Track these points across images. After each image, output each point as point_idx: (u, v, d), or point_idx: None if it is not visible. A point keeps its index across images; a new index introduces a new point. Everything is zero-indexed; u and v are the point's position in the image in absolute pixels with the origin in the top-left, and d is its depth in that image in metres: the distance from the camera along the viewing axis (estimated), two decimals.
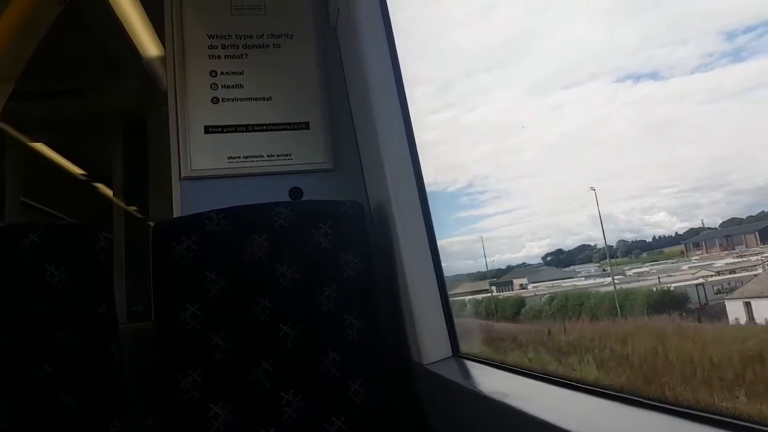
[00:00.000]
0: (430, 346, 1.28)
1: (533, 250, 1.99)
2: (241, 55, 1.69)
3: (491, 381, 1.03)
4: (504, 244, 1.38)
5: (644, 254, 1.63)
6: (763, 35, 1.06)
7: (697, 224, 1.46)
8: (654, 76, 1.36)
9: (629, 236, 1.63)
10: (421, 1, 1.47)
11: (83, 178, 4.15)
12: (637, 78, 1.43)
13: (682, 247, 1.51)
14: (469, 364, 1.20)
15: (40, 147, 3.84)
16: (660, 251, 1.59)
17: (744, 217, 1.28)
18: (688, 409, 0.65)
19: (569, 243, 1.87)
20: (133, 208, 3.43)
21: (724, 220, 1.34)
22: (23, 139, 3.64)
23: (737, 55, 1.15)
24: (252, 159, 1.64)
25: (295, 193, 1.65)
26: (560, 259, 1.93)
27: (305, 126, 1.69)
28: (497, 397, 0.86)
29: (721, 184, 1.25)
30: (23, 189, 3.60)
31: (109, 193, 3.48)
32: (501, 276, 2.10)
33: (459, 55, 1.48)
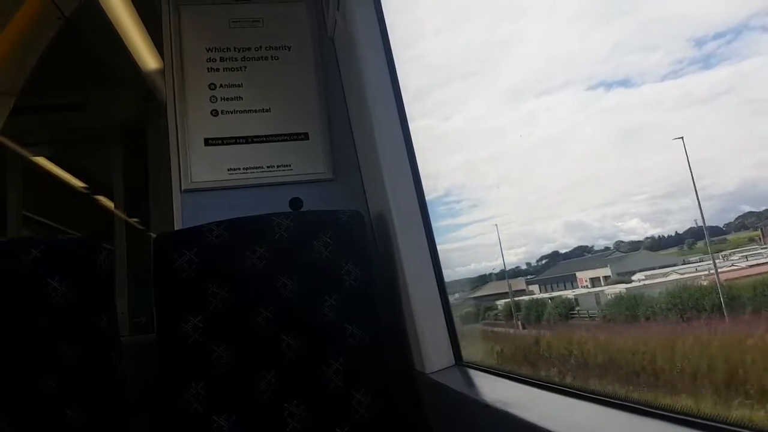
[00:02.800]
0: (433, 355, 1.27)
1: (509, 258, 1.99)
2: (240, 67, 1.71)
3: (494, 389, 1.03)
4: (480, 253, 1.38)
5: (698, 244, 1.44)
6: (732, 42, 1.06)
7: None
8: (625, 83, 1.37)
9: (629, 238, 1.61)
10: (394, 9, 1.48)
11: (84, 190, 4.16)
12: (608, 85, 1.44)
13: (750, 233, 1.35)
14: (472, 372, 1.20)
15: (42, 161, 3.86)
16: (723, 239, 1.38)
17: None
18: (697, 418, 0.65)
19: (543, 251, 1.87)
20: (135, 219, 3.44)
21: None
22: (24, 153, 3.66)
23: (706, 62, 1.15)
24: (252, 170, 1.65)
25: (296, 203, 1.66)
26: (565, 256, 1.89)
27: (304, 136, 1.70)
28: (500, 405, 0.85)
29: (691, 189, 1.25)
30: (25, 203, 3.60)
31: (111, 205, 3.48)
32: (538, 273, 1.97)
33: (433, 63, 1.49)
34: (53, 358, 1.21)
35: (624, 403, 0.75)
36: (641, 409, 0.72)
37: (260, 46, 1.73)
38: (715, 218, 1.26)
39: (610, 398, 0.78)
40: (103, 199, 3.87)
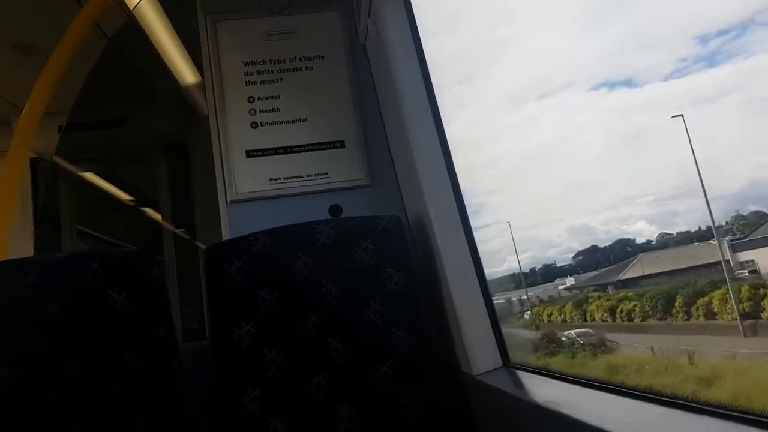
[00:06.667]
0: (480, 356, 1.28)
1: (514, 264, 1.95)
2: (276, 79, 1.75)
3: (544, 390, 1.03)
4: (485, 260, 1.37)
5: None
6: (737, 38, 1.03)
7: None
8: (629, 83, 1.34)
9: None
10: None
11: (132, 203, 4.31)
12: (611, 85, 1.40)
13: None
14: (520, 373, 1.20)
15: (90, 176, 4.01)
16: None
17: None
18: (752, 415, 0.64)
19: (550, 255, 1.82)
20: (181, 230, 3.55)
21: None
22: (74, 169, 3.81)
23: (711, 59, 1.11)
24: (292, 180, 1.69)
25: (335, 210, 1.69)
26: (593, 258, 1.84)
27: (341, 144, 1.73)
28: (551, 406, 0.85)
29: (697, 190, 1.21)
30: (77, 217, 3.76)
31: (158, 216, 3.60)
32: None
33: (429, 67, 1.48)
34: (116, 365, 1.28)
35: (677, 401, 0.74)
36: (696, 407, 0.71)
37: (295, 57, 1.77)
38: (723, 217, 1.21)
39: (669, 398, 0.77)
40: (149, 211, 4.00)
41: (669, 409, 0.75)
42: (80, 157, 3.75)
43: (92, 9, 1.84)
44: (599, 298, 1.61)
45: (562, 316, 1.76)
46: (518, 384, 1.15)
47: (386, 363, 1.29)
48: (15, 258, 1.39)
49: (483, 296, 1.35)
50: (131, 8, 2.51)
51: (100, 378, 1.27)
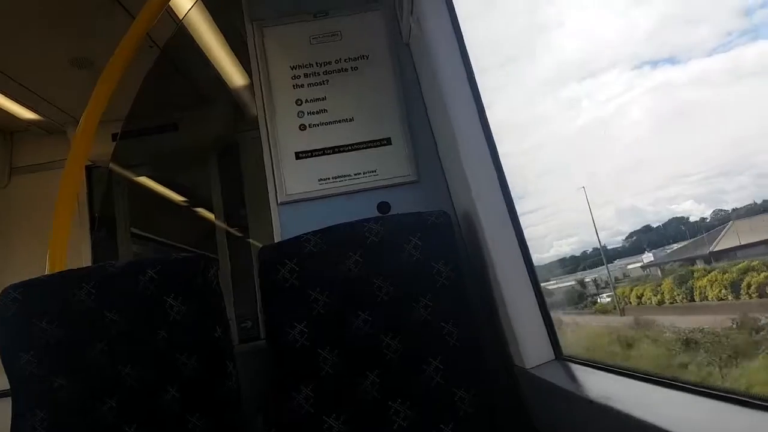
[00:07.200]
0: (532, 349, 1.28)
1: (562, 249, 1.89)
2: (323, 81, 1.79)
3: (597, 384, 1.02)
4: (532, 246, 1.35)
5: None
6: None
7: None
8: (672, 60, 1.28)
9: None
10: None
11: (185, 204, 4.47)
12: (654, 64, 1.35)
13: None
14: (574, 366, 1.19)
15: (144, 180, 4.18)
16: None
17: None
18: None
19: (596, 240, 1.73)
20: (234, 229, 3.67)
21: None
22: (128, 174, 3.98)
23: (756, 32, 1.06)
24: (340, 179, 1.73)
25: (383, 207, 1.71)
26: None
27: (387, 142, 1.76)
28: (603, 401, 0.85)
29: (746, 167, 1.15)
30: (132, 221, 3.93)
31: (211, 216, 3.74)
32: None
33: (471, 51, 1.47)
34: (174, 369, 1.32)
35: (736, 396, 0.72)
36: (754, 402, 0.69)
37: (340, 59, 1.81)
38: None
39: (726, 392, 0.75)
40: (202, 211, 4.15)
41: (725, 404, 0.74)
42: (134, 162, 3.91)
43: (143, 20, 1.92)
44: (708, 271, 1.35)
45: (658, 297, 1.47)
46: (571, 377, 1.14)
47: (437, 358, 1.30)
48: (74, 268, 1.44)
49: (533, 289, 1.34)
50: (181, 17, 2.60)
51: (159, 383, 1.32)
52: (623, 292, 1.66)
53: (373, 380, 1.31)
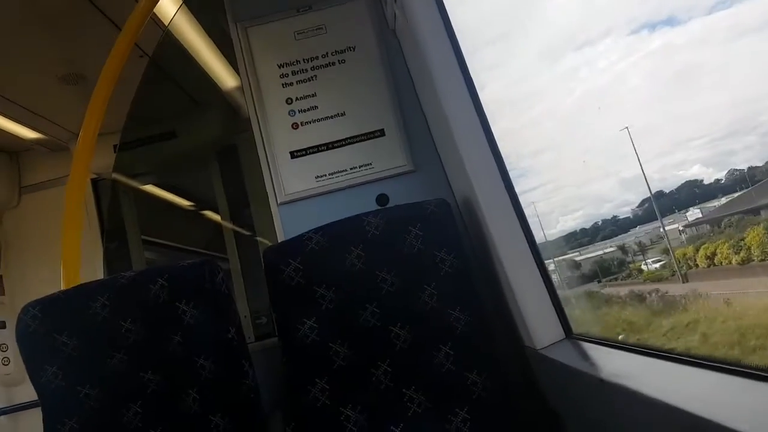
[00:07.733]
0: (541, 330, 1.28)
1: (568, 224, 1.86)
2: (311, 77, 1.78)
3: (608, 362, 1.02)
4: (535, 223, 1.32)
5: None
6: None
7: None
8: (670, 22, 1.26)
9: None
10: None
11: (192, 208, 4.51)
12: (652, 27, 1.32)
13: None
14: (585, 345, 1.19)
15: (150, 188, 4.21)
16: None
17: None
18: None
19: (604, 212, 1.69)
20: (241, 227, 3.71)
21: None
22: (134, 183, 4.01)
23: None
24: (337, 174, 1.73)
25: (382, 199, 1.71)
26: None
27: (381, 133, 1.75)
28: (614, 379, 0.85)
29: (753, 126, 1.13)
30: (142, 228, 3.97)
31: (217, 217, 3.78)
32: None
33: (459, 32, 1.44)
34: (193, 371, 1.36)
35: (749, 370, 0.71)
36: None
37: (326, 53, 1.79)
38: None
39: (740, 367, 0.73)
40: (210, 213, 4.19)
41: (736, 377, 0.72)
42: (138, 171, 3.94)
43: (130, 30, 1.92)
44: None
45: (742, 254, 1.15)
46: (583, 356, 1.14)
47: (447, 344, 1.30)
48: (87, 282, 1.49)
49: (538, 269, 1.33)
50: (166, 24, 2.59)
51: (180, 386, 1.36)
52: (684, 253, 1.45)
53: (385, 369, 1.32)
